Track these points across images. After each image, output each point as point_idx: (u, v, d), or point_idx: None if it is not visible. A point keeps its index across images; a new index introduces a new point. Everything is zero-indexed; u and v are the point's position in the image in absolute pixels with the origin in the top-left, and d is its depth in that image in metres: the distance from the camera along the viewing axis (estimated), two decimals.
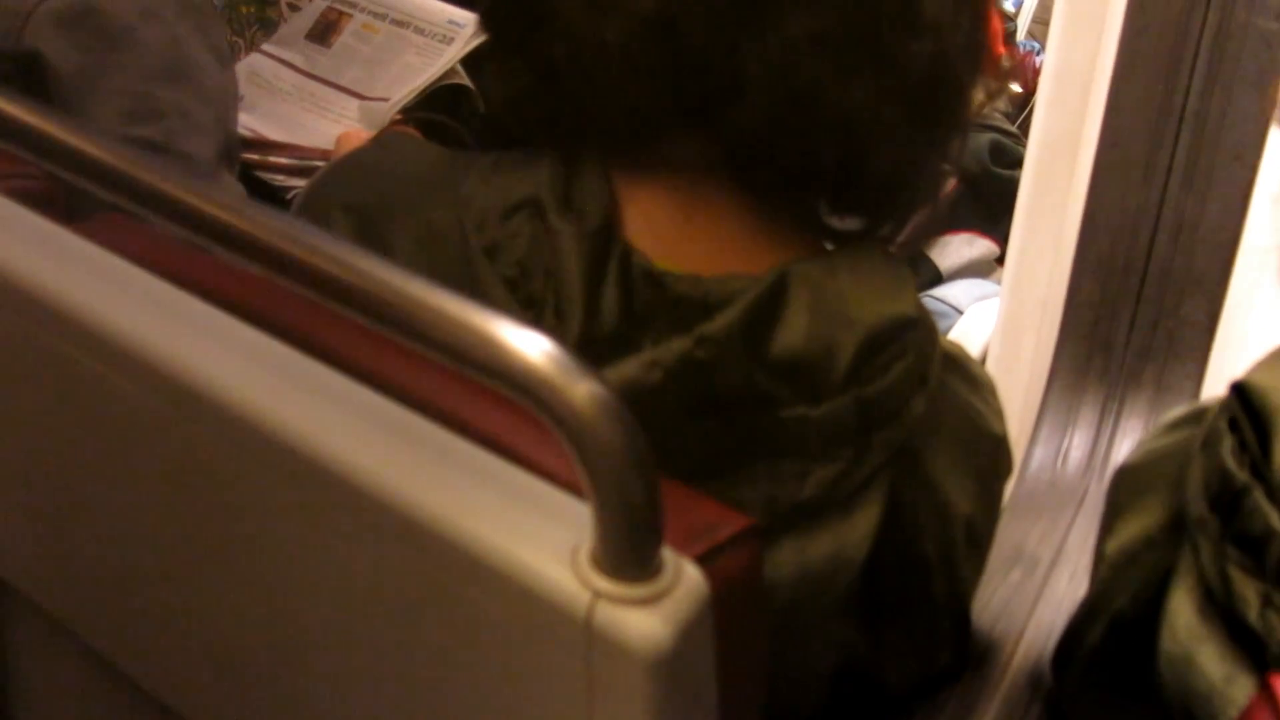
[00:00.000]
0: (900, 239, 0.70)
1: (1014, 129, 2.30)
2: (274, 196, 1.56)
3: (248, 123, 1.63)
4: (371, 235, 0.66)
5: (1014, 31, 2.89)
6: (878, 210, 0.68)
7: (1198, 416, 0.70)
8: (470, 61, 1.66)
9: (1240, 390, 0.61)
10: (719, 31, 0.59)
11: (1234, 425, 0.61)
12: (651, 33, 0.59)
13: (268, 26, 1.88)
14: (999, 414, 0.73)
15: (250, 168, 1.55)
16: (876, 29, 0.60)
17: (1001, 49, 2.26)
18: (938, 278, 2.18)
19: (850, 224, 0.69)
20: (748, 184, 0.65)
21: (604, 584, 0.43)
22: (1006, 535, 1.05)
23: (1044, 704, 0.80)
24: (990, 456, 0.72)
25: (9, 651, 0.77)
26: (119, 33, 1.21)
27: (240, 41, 1.85)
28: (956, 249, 2.20)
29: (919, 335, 0.64)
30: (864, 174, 0.64)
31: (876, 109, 0.61)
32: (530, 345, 0.41)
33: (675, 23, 0.59)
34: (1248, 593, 0.57)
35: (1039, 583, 0.98)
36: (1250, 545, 0.58)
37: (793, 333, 0.60)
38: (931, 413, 0.66)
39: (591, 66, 0.61)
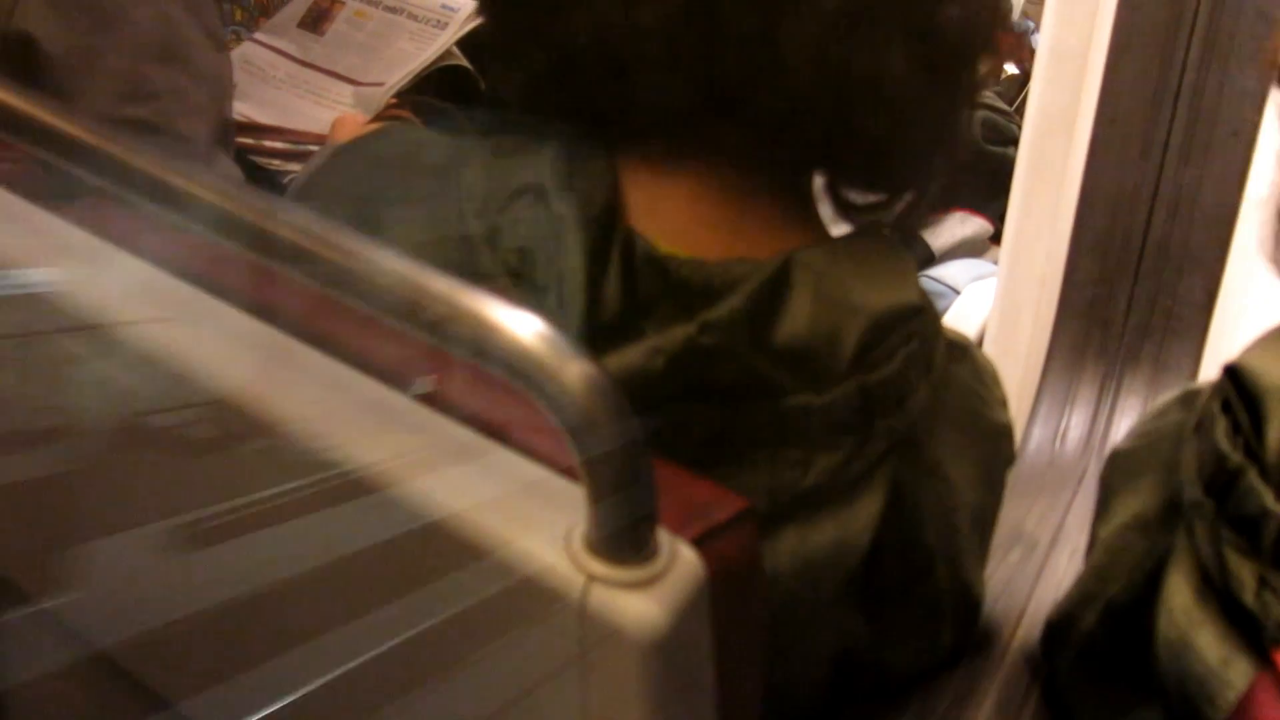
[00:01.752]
0: (909, 217, 0.70)
1: (1006, 107, 2.29)
2: (270, 181, 1.55)
3: (242, 110, 1.63)
4: (370, 223, 0.66)
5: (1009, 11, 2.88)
6: (900, 184, 0.68)
7: (1190, 400, 0.70)
8: (468, 44, 1.65)
9: (1233, 372, 0.61)
10: (756, 12, 0.58)
11: (1227, 407, 0.61)
12: (689, 16, 0.58)
13: (272, 12, 1.87)
14: (1003, 403, 0.73)
15: (245, 152, 1.55)
16: None
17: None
18: (931, 257, 2.18)
19: (868, 199, 0.69)
20: (771, 166, 0.64)
21: (598, 567, 0.42)
22: (1006, 515, 1.04)
23: (1043, 686, 0.80)
24: (993, 445, 0.72)
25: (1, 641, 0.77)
26: (110, 12, 1.20)
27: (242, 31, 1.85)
28: (949, 228, 2.20)
29: (923, 323, 0.64)
30: (893, 145, 0.63)
31: (908, 78, 0.60)
32: (521, 325, 0.40)
33: (712, 4, 0.58)
34: (1243, 574, 0.57)
35: (1039, 563, 0.97)
36: (1245, 526, 0.58)
37: (796, 320, 0.60)
38: (935, 401, 0.65)
39: (622, 54, 0.60)
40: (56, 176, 0.67)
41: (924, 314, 0.64)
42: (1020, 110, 2.12)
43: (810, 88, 0.59)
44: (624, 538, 0.42)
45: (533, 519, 0.45)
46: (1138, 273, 1.24)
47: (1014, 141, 2.04)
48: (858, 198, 0.69)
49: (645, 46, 0.59)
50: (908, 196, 0.68)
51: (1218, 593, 0.59)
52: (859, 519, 0.63)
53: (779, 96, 0.60)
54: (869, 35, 0.59)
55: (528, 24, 0.64)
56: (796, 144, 0.63)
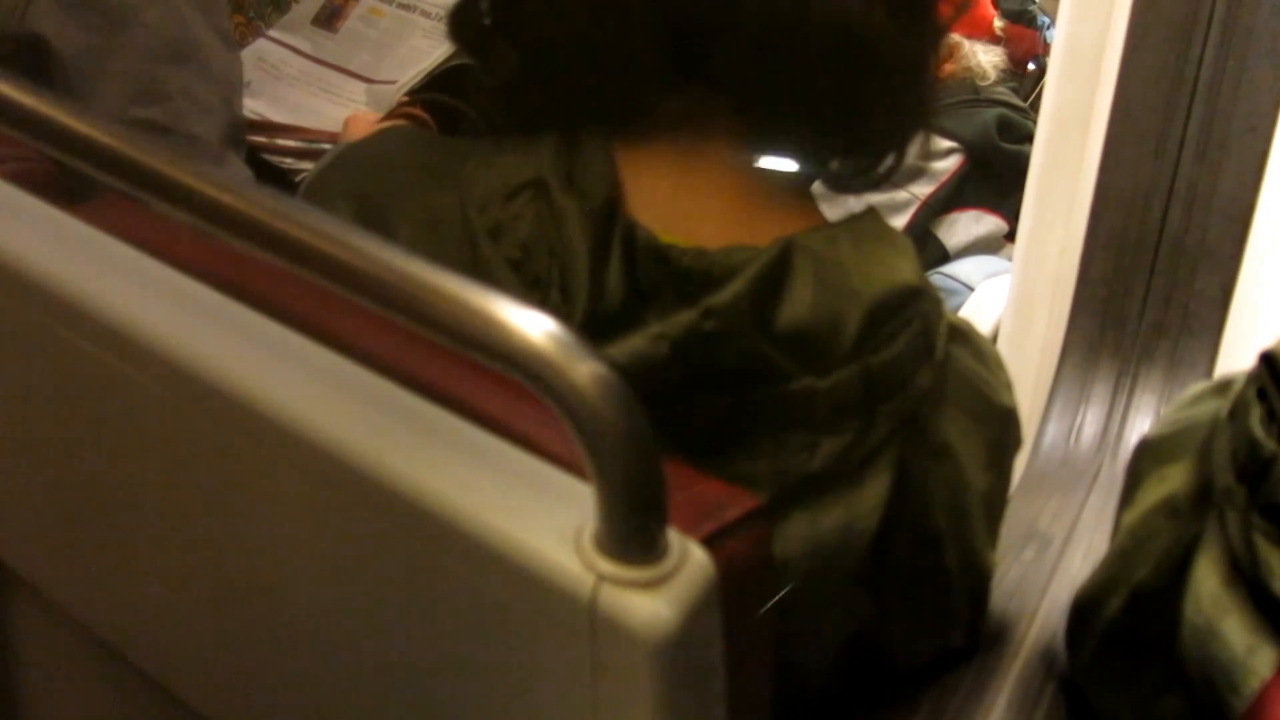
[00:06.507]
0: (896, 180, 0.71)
1: (1022, 104, 2.28)
2: (282, 179, 1.56)
3: (255, 108, 1.64)
4: (373, 222, 0.66)
5: (1034, 15, 2.87)
6: (875, 134, 0.68)
7: (1223, 388, 0.70)
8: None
9: (1269, 360, 0.61)
10: None
11: (1262, 395, 0.61)
12: None
13: (281, 7, 1.88)
14: (1007, 386, 0.73)
15: (258, 150, 1.55)
16: None
17: None
18: (944, 256, 2.17)
19: (852, 165, 0.70)
20: (748, 129, 0.65)
21: (608, 567, 0.42)
22: (1019, 513, 1.04)
23: (1058, 683, 0.80)
24: (1000, 428, 0.72)
25: (15, 637, 0.78)
26: (122, 13, 1.20)
27: (262, 24, 1.85)
28: (964, 226, 2.19)
29: (924, 305, 0.64)
30: (857, 87, 0.64)
31: (862, 12, 0.61)
32: (531, 324, 0.40)
33: None
34: (1273, 561, 0.58)
35: (1052, 561, 0.97)
36: (1276, 514, 0.58)
37: (798, 304, 0.60)
38: (939, 384, 0.66)
39: (582, 25, 0.62)
40: (70, 175, 0.67)
41: (924, 296, 0.65)
42: (1036, 107, 2.11)
43: (762, 31, 0.61)
44: (634, 537, 0.42)
45: (543, 518, 0.45)
46: (1153, 269, 1.23)
47: (1030, 138, 2.03)
48: (841, 166, 0.70)
49: (601, 13, 0.61)
50: (889, 158, 0.69)
51: (1246, 580, 0.59)
52: (867, 501, 0.63)
53: (736, 44, 0.61)
54: None
55: (496, 21, 0.66)
56: (764, 98, 0.64)
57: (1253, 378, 0.62)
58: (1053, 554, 0.98)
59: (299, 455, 0.51)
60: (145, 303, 0.56)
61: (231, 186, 0.47)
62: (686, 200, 0.64)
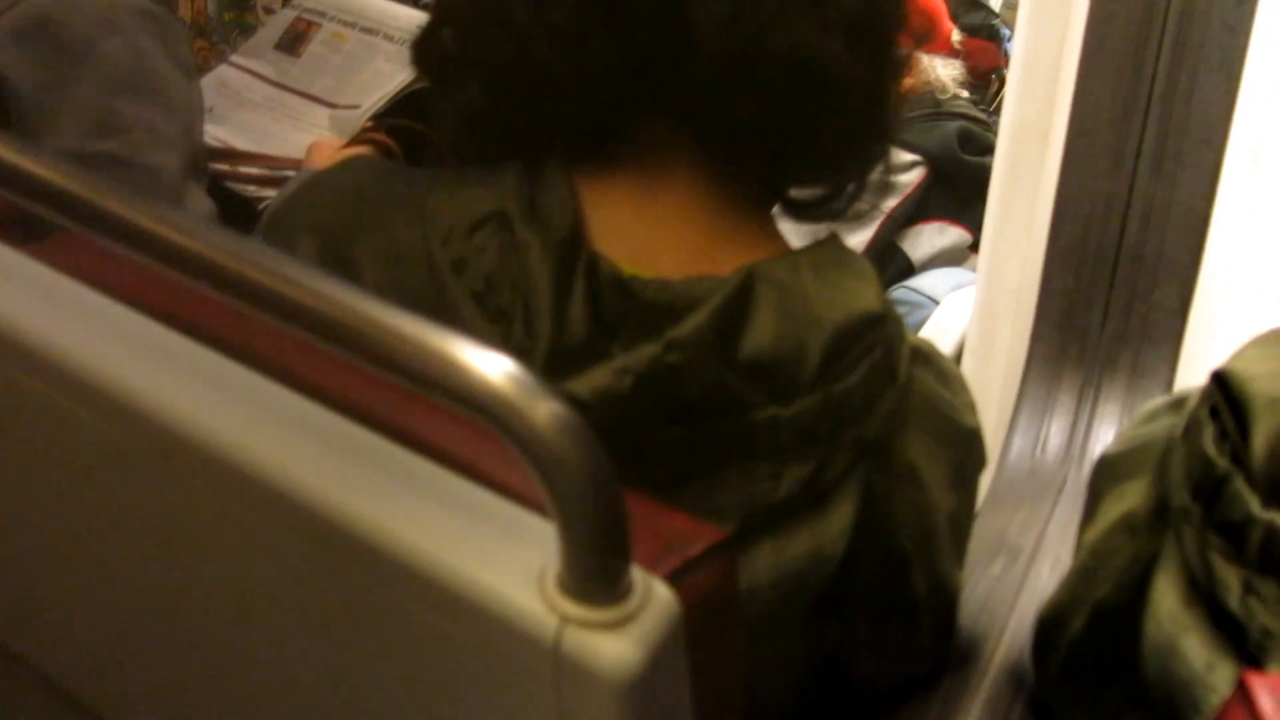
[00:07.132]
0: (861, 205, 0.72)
1: (983, 116, 2.30)
2: (245, 207, 1.55)
3: (217, 134, 1.63)
4: (337, 255, 0.66)
5: (997, 29, 2.90)
6: (837, 163, 0.69)
7: (1178, 405, 0.70)
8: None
9: (1220, 378, 0.62)
10: None
11: (1214, 413, 0.61)
12: (599, 5, 0.61)
13: (247, 32, 1.87)
14: (971, 407, 0.73)
15: (220, 178, 1.54)
16: None
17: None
18: (909, 268, 2.19)
19: (813, 191, 0.70)
20: (710, 158, 0.65)
21: (571, 608, 0.42)
22: (987, 526, 1.05)
23: (1027, 700, 0.80)
24: (963, 448, 0.72)
25: None
26: (78, 46, 1.19)
27: (226, 48, 1.84)
28: (928, 238, 2.21)
29: (886, 331, 0.65)
30: (818, 117, 0.65)
31: (820, 43, 0.62)
32: (490, 365, 0.40)
33: None
34: (1229, 579, 0.58)
35: (1020, 573, 0.98)
36: (1231, 532, 0.58)
37: (761, 334, 0.60)
38: (902, 408, 0.66)
39: (544, 56, 0.62)
40: (22, 213, 0.66)
41: (886, 322, 0.65)
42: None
43: (721, 61, 0.61)
44: (597, 577, 0.42)
45: (505, 559, 0.44)
46: (1113, 281, 1.24)
47: (991, 150, 2.05)
48: (803, 194, 0.71)
49: (562, 45, 0.62)
50: (851, 186, 0.70)
51: (1204, 598, 0.60)
52: (833, 528, 0.63)
53: (695, 73, 0.62)
54: (777, 6, 0.61)
55: (457, 49, 0.67)
56: (723, 127, 0.64)
57: (1205, 396, 0.63)
58: (1021, 566, 0.99)
59: (257, 496, 0.50)
60: (99, 343, 0.56)
61: (187, 227, 0.46)
62: (649, 231, 0.65)
